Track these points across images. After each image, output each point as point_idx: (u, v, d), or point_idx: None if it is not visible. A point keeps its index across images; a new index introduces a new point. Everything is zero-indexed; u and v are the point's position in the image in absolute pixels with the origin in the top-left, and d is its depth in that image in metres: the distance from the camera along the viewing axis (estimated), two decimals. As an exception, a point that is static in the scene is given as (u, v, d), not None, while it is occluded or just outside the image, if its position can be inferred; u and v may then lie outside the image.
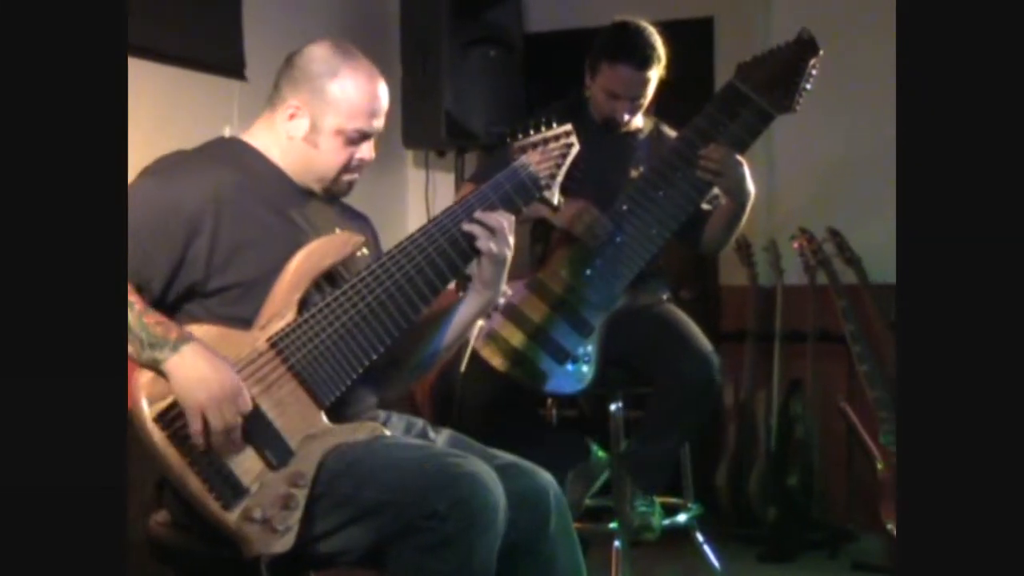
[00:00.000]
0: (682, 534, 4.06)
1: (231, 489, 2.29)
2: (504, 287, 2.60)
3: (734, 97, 3.51)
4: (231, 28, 4.38)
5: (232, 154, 2.52)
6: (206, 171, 2.44)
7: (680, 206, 3.58)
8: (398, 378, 2.65)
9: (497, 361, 3.61)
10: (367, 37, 4.74)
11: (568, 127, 2.59)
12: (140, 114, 3.58)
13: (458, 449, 2.49)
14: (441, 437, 2.61)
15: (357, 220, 2.67)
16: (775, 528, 4.64)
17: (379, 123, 2.53)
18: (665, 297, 3.85)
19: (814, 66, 3.46)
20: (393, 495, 2.28)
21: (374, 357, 2.43)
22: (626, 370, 3.73)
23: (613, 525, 3.78)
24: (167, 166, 2.43)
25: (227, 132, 3.13)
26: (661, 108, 3.88)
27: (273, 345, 2.36)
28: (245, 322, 2.38)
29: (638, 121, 3.81)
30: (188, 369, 2.25)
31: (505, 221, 2.50)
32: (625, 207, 3.60)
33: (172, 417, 2.28)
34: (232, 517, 2.28)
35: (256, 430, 2.32)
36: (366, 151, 2.54)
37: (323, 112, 2.48)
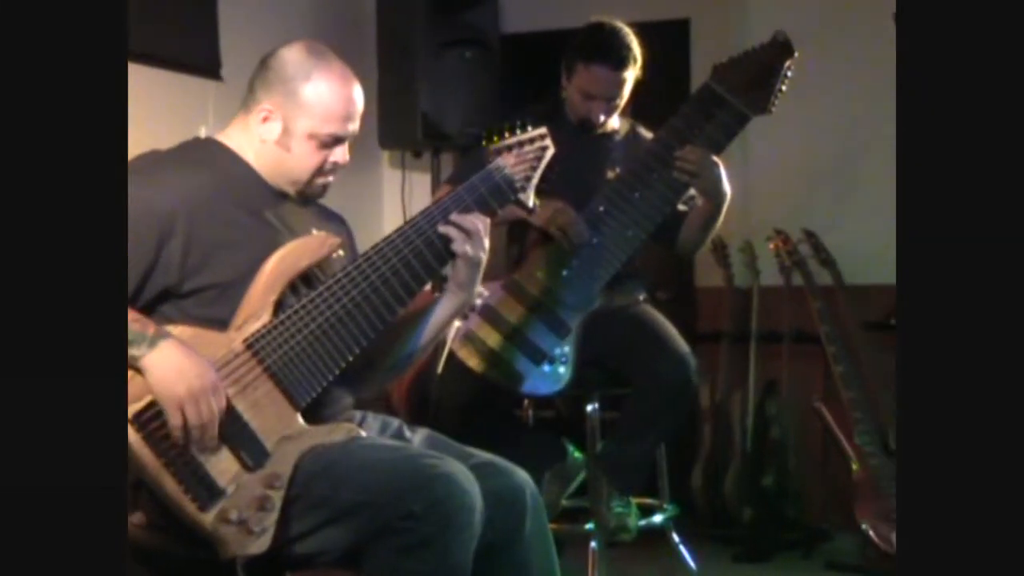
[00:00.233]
0: (658, 535, 4.07)
1: (207, 490, 2.28)
2: (480, 288, 2.60)
3: (710, 98, 3.52)
4: (207, 28, 4.37)
5: (207, 155, 2.51)
6: (180, 173, 2.43)
7: (656, 207, 3.59)
8: (373, 379, 2.65)
9: (474, 362, 3.61)
10: (343, 37, 4.73)
11: (543, 130, 2.59)
12: (115, 114, 3.57)
13: (435, 449, 2.49)
14: (418, 437, 2.61)
15: (333, 221, 2.66)
16: (751, 528, 4.66)
17: (354, 127, 2.53)
18: (642, 298, 3.85)
19: (789, 68, 3.48)
20: (369, 496, 2.28)
21: (350, 358, 2.43)
22: (602, 371, 3.74)
23: (589, 526, 3.79)
24: (141, 167, 2.41)
25: (203, 132, 3.11)
26: (637, 109, 3.89)
27: (249, 346, 2.36)
28: (220, 323, 2.37)
29: (614, 122, 3.81)
30: (166, 364, 2.25)
31: (481, 223, 2.50)
32: (601, 208, 3.61)
33: (148, 418, 2.27)
34: (208, 518, 2.27)
35: (232, 431, 2.31)
36: (340, 155, 2.53)
37: (296, 116, 2.47)
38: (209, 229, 2.39)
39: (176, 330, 2.32)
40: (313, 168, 2.51)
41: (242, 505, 2.29)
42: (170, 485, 2.27)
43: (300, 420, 2.38)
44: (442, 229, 2.49)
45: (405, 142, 5.03)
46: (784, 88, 3.49)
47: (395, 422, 2.64)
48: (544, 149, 2.58)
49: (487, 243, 2.52)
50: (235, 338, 2.36)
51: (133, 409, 2.27)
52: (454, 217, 2.49)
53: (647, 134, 3.80)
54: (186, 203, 2.37)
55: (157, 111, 4.01)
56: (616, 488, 3.74)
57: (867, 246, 4.64)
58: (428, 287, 2.61)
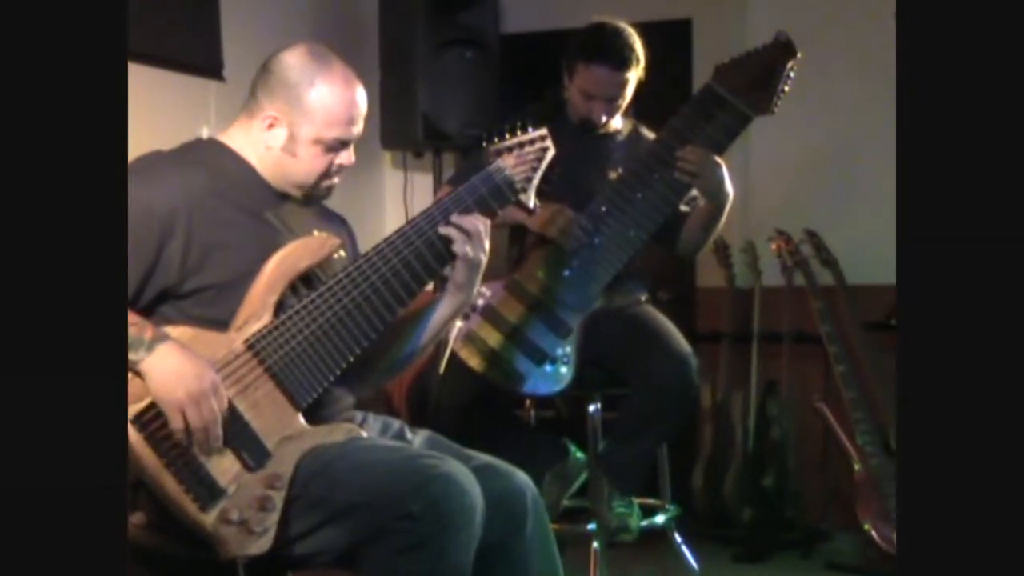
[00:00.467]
0: (659, 535, 4.06)
1: (208, 490, 2.29)
2: (482, 288, 2.60)
3: (711, 99, 3.52)
4: (209, 28, 4.36)
5: (208, 156, 2.51)
6: (180, 173, 2.43)
7: (658, 208, 3.58)
8: (372, 378, 2.64)
9: (475, 362, 3.60)
10: (344, 38, 4.74)
11: (543, 131, 2.59)
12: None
13: (435, 450, 2.49)
14: (419, 438, 2.61)
15: (334, 221, 2.67)
16: (751, 529, 4.66)
17: (358, 129, 2.52)
18: (643, 298, 3.85)
19: (791, 68, 3.48)
20: (368, 496, 2.29)
21: (351, 359, 2.43)
22: (603, 371, 3.73)
23: (591, 526, 3.79)
24: (142, 167, 2.41)
25: (204, 133, 3.12)
26: (638, 110, 3.88)
27: (250, 347, 2.36)
28: (220, 324, 2.37)
29: (616, 123, 3.81)
30: (165, 368, 2.25)
31: (481, 225, 2.50)
32: (603, 209, 3.60)
33: (148, 419, 2.27)
34: (209, 519, 2.28)
35: (233, 431, 2.32)
36: (345, 157, 2.53)
37: (301, 122, 2.46)
38: (209, 229, 2.39)
39: (176, 331, 2.32)
40: (319, 172, 2.51)
41: (243, 505, 2.29)
42: (171, 485, 2.27)
43: (301, 420, 2.38)
44: (442, 230, 2.49)
45: (406, 143, 5.04)
46: (786, 89, 3.48)
47: (396, 423, 2.64)
48: (545, 150, 2.58)
49: (487, 244, 2.52)
50: (236, 338, 2.36)
51: (134, 409, 2.27)
52: (454, 218, 2.49)
53: (649, 135, 3.79)
54: (186, 203, 2.37)
55: (159, 111, 4.01)
56: (617, 488, 3.74)
57: (867, 246, 4.64)
58: (429, 287, 2.61)
